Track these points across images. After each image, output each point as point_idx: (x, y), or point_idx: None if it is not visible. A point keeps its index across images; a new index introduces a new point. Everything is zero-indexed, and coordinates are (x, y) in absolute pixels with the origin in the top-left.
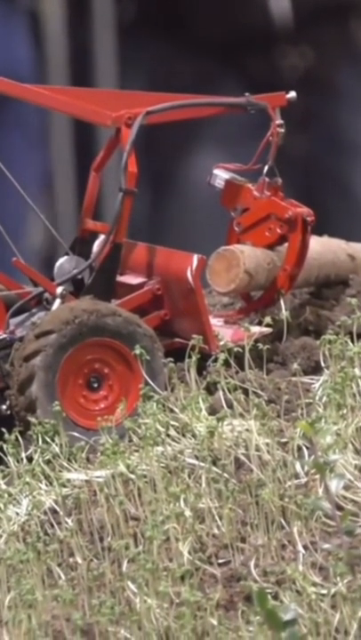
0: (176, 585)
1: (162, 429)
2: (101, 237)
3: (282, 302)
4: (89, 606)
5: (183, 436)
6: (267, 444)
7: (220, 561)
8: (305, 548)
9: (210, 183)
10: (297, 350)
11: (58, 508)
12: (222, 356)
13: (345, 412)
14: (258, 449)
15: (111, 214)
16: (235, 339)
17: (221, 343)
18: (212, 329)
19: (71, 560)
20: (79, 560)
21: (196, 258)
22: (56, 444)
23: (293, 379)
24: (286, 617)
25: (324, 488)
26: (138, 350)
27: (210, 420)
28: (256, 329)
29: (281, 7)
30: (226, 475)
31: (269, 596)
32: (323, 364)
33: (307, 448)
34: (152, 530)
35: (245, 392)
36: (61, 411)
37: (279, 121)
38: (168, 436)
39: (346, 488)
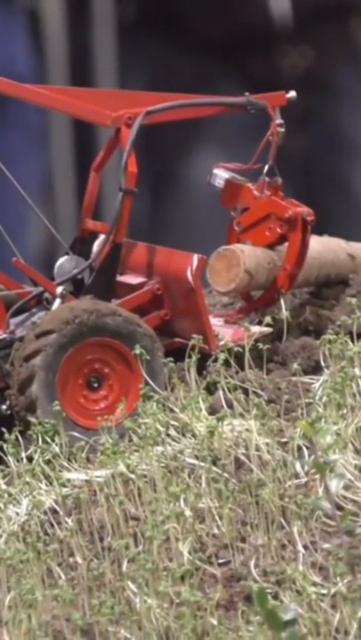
0: (176, 585)
1: (162, 429)
2: (101, 237)
3: (282, 302)
4: (89, 606)
5: (183, 435)
6: (267, 444)
7: (220, 561)
8: (305, 547)
9: (210, 183)
10: (297, 350)
11: (58, 508)
12: (222, 356)
13: (345, 411)
14: (258, 449)
15: (111, 214)
16: (235, 338)
17: (221, 343)
18: (212, 329)
19: (71, 560)
20: (79, 560)
21: (196, 257)
22: (56, 444)
23: (293, 379)
24: (286, 617)
25: (324, 488)
26: (138, 350)
27: (210, 419)
28: (256, 329)
29: (281, 7)
30: (226, 475)
31: (269, 596)
32: (323, 364)
33: (307, 448)
34: (152, 530)
35: (245, 392)
36: (61, 410)
37: (279, 120)
38: (168, 435)
39: (346, 488)
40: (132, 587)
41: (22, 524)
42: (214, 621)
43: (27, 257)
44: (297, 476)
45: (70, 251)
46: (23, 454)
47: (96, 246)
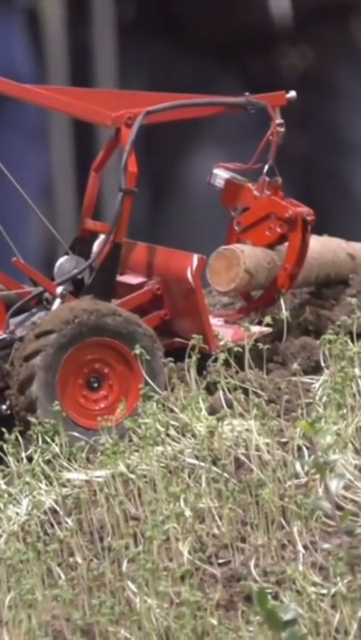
0: (176, 585)
1: (162, 429)
2: (101, 237)
3: (282, 302)
4: (89, 606)
5: (183, 435)
6: (267, 444)
7: (220, 561)
8: (305, 547)
9: (210, 183)
10: (297, 350)
11: (58, 508)
12: (222, 356)
13: (345, 411)
14: (258, 449)
15: (111, 214)
16: (235, 338)
17: (221, 343)
18: (212, 329)
19: (71, 560)
20: (79, 560)
21: (196, 257)
22: (56, 444)
23: (293, 379)
24: (286, 617)
25: (324, 488)
26: (138, 350)
27: (210, 419)
28: (256, 329)
29: (281, 7)
30: (226, 475)
31: (269, 596)
32: (323, 364)
33: (307, 448)
34: (152, 530)
35: (245, 392)
36: (61, 410)
37: (279, 120)
38: (168, 435)
39: (346, 488)
40: (132, 587)
41: (22, 524)
42: (214, 621)
43: (27, 257)
44: (297, 475)
45: (70, 251)
46: (23, 454)
47: (96, 246)
